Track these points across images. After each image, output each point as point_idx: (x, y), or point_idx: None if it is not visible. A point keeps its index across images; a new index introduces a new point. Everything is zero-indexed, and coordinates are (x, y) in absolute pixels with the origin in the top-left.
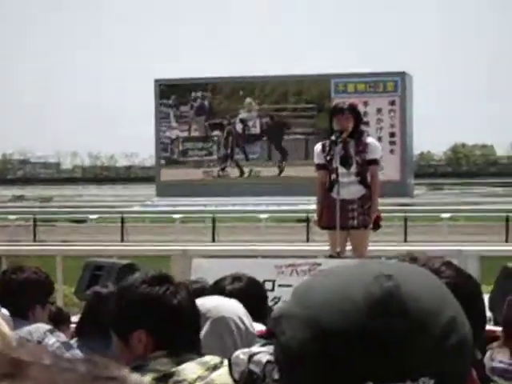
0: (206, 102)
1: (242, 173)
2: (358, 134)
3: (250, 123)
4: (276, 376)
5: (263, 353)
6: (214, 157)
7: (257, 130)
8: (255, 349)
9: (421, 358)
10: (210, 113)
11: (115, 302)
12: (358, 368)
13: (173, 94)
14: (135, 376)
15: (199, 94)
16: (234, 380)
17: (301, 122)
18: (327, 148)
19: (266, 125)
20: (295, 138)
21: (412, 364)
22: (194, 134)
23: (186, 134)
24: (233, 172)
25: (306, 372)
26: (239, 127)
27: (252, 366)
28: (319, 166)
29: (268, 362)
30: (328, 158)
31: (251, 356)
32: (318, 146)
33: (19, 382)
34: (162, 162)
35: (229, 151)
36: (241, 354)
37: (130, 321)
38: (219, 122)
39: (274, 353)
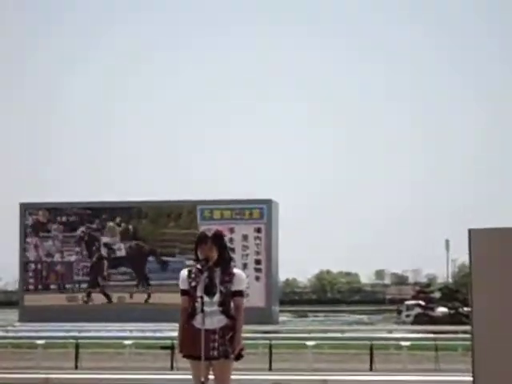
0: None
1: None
2: (224, 263)
3: (115, 247)
4: None
5: None
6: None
7: (122, 253)
8: None
9: None
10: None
11: None
12: None
13: (40, 218)
14: None
15: (66, 218)
16: None
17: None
18: (193, 275)
19: (130, 249)
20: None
21: None
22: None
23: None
24: (98, 298)
25: None
26: (104, 251)
27: None
28: (183, 292)
29: None
30: (193, 284)
31: None
32: (184, 272)
33: None
34: (26, 286)
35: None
36: None
37: None
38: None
39: None
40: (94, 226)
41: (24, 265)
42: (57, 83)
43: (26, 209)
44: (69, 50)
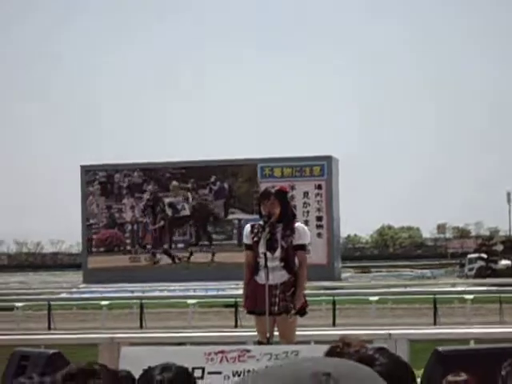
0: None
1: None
2: (286, 219)
3: (179, 206)
4: None
5: None
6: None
7: (186, 213)
8: None
9: None
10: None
11: None
12: None
13: (99, 180)
14: None
15: (127, 178)
16: None
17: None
18: (255, 230)
19: (193, 208)
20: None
21: None
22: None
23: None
24: (163, 258)
25: None
26: (168, 211)
27: None
28: (246, 247)
29: None
30: (255, 239)
31: None
32: (248, 227)
33: None
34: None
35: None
36: None
37: None
38: (150, 205)
39: None
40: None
41: (87, 227)
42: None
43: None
44: None
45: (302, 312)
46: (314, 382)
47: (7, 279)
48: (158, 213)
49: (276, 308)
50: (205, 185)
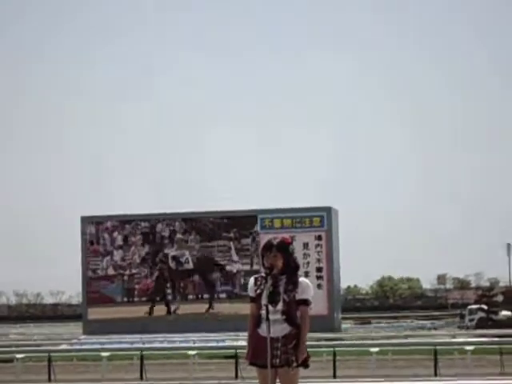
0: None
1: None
2: (289, 271)
3: (182, 259)
4: None
5: None
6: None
7: (189, 266)
8: None
9: None
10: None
11: None
12: None
13: (102, 232)
14: None
15: (127, 231)
16: None
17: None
18: (258, 282)
19: (197, 260)
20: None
21: None
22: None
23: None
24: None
25: None
26: (172, 264)
27: None
28: (251, 299)
29: None
30: (258, 291)
31: None
32: (252, 280)
33: None
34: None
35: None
36: None
37: None
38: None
39: None
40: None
41: (87, 279)
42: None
43: (87, 222)
44: None
45: (304, 364)
46: None
47: (7, 330)
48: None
49: (277, 360)
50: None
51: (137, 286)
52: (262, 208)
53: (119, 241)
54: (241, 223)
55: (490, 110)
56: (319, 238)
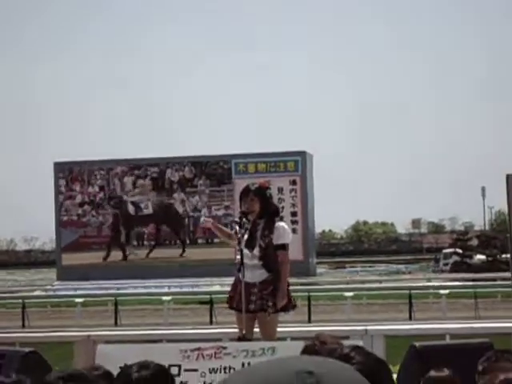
0: (105, 183)
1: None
2: (267, 216)
3: (142, 205)
4: None
5: None
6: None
7: (149, 211)
8: None
9: None
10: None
11: None
12: None
13: (72, 177)
14: None
15: (99, 174)
16: None
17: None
18: (236, 228)
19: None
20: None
21: None
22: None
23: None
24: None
25: None
26: (131, 209)
27: None
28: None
29: None
30: (238, 236)
31: None
32: (232, 225)
33: None
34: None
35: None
36: None
37: None
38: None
39: None
40: None
41: (60, 223)
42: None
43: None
44: None
45: (285, 309)
46: (296, 380)
47: None
48: None
49: (253, 306)
50: None
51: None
52: (236, 153)
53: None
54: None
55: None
56: (294, 182)
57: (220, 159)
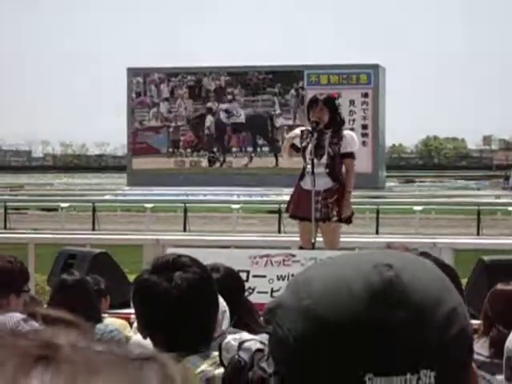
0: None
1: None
2: (335, 126)
3: (234, 112)
4: (265, 365)
5: (253, 340)
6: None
7: (241, 120)
8: (246, 336)
9: (421, 349)
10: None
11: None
12: (358, 360)
13: (146, 84)
14: (170, 356)
15: (173, 83)
16: (223, 365)
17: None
18: (304, 136)
19: (247, 115)
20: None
21: (412, 356)
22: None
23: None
24: (205, 162)
25: (303, 364)
26: (223, 116)
27: (241, 353)
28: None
29: (257, 350)
30: (303, 144)
31: (241, 343)
32: (297, 131)
33: (55, 365)
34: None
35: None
36: (232, 340)
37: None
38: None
39: (269, 345)
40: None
41: (132, 129)
42: None
43: (134, 73)
44: None
45: (348, 221)
46: (375, 272)
47: (52, 180)
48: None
49: (318, 214)
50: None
51: (182, 138)
52: (309, 64)
53: (166, 93)
54: (287, 79)
55: None
56: (365, 95)
57: (293, 69)
